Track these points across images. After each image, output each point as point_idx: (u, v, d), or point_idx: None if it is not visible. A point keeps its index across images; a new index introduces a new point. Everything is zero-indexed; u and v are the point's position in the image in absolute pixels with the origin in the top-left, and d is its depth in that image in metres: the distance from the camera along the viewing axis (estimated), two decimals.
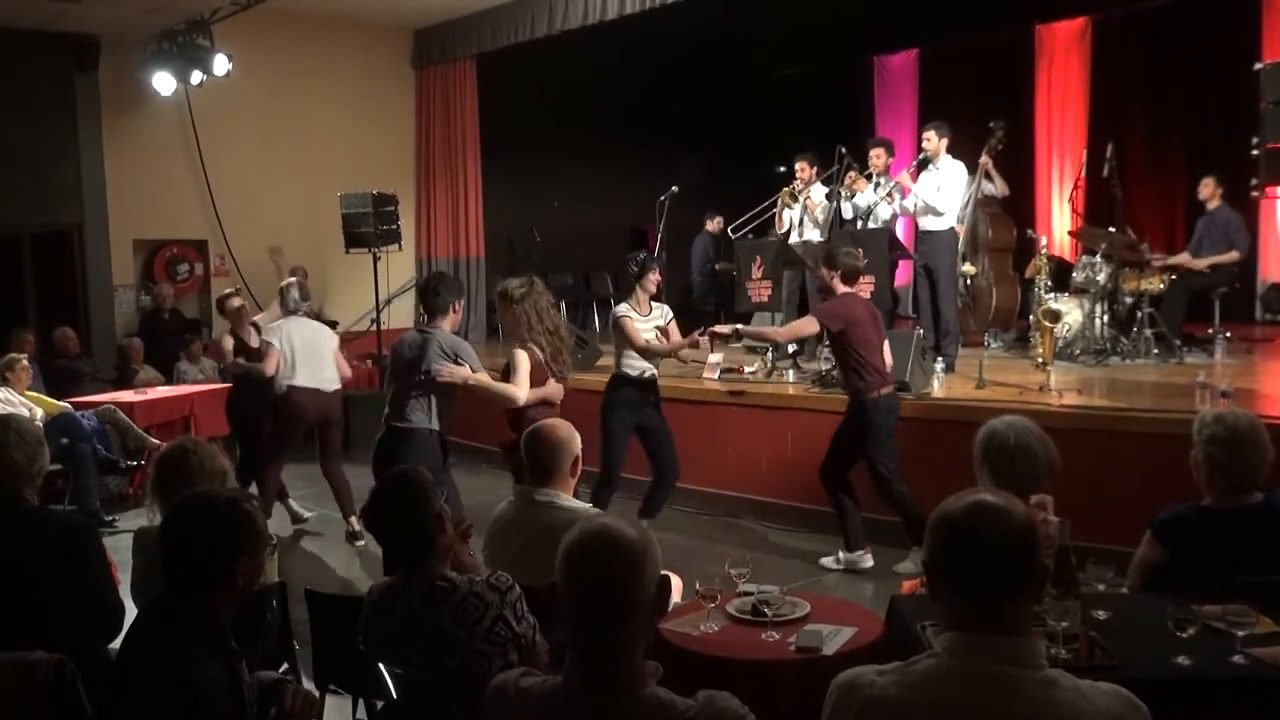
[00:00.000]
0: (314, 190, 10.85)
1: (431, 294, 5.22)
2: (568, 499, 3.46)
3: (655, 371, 6.00)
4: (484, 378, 5.15)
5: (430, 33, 11.65)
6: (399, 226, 10.53)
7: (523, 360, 5.07)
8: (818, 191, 8.68)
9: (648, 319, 5.89)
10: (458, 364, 5.07)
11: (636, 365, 5.89)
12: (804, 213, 8.70)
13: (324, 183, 10.77)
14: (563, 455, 3.47)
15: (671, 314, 6.02)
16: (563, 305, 12.22)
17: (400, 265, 11.30)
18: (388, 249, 10.45)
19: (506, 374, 5.12)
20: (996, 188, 9.14)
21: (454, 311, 5.22)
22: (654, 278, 5.91)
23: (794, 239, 8.68)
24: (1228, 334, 8.33)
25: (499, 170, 12.08)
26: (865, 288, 7.47)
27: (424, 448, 5.04)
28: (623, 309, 5.87)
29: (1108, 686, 1.81)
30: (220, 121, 10.59)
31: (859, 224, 8.23)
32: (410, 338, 5.29)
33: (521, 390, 5.02)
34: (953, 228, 7.76)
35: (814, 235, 8.63)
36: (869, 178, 8.19)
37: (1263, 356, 8.40)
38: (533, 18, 10.13)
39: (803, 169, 8.71)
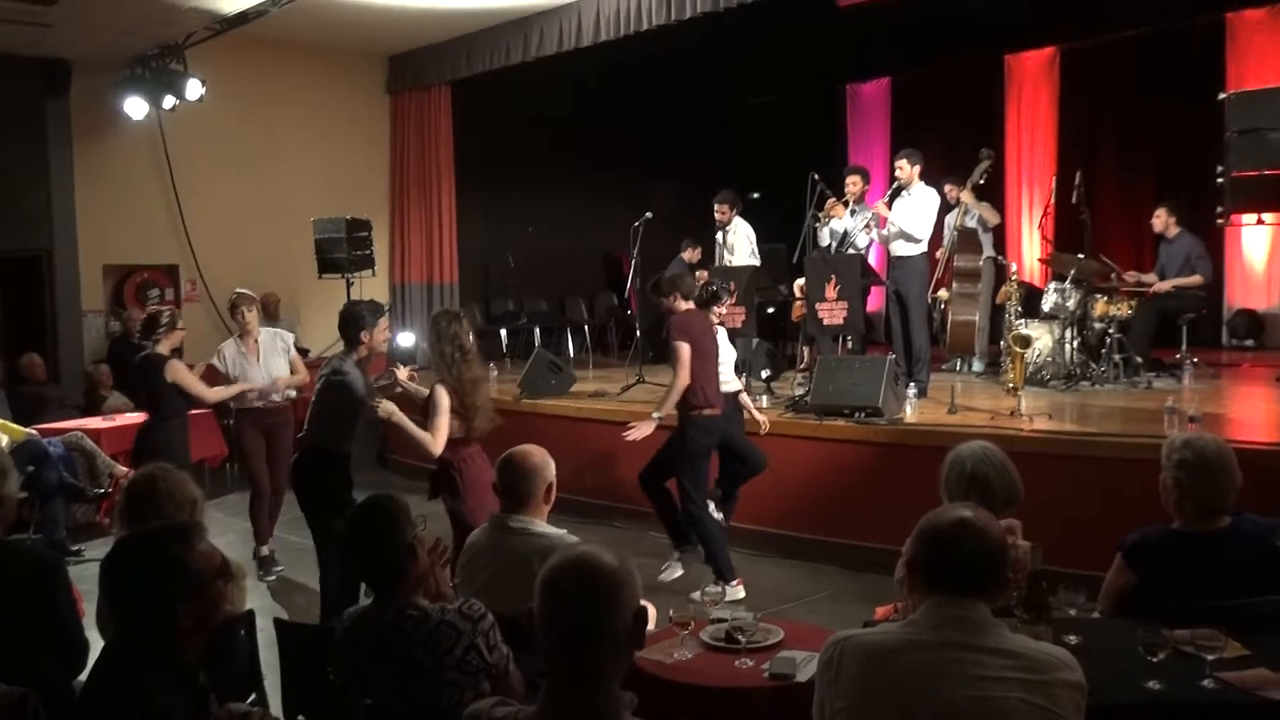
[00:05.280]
0: (287, 215, 10.80)
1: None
2: (542, 526, 3.44)
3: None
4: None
5: (405, 59, 11.67)
6: (372, 252, 10.49)
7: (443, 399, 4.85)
8: (739, 225, 9.02)
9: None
10: None
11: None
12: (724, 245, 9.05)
13: (297, 207, 10.73)
14: (536, 481, 3.46)
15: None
16: (537, 331, 12.38)
17: (374, 290, 11.22)
18: (361, 274, 10.40)
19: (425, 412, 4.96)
20: (986, 216, 9.29)
21: (362, 342, 5.24)
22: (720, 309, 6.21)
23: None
24: (1195, 360, 8.44)
25: (473, 195, 12.08)
26: (839, 313, 7.52)
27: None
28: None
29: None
30: (193, 146, 10.54)
31: (833, 249, 8.31)
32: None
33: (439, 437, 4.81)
34: (924, 253, 7.83)
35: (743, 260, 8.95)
36: (846, 204, 8.29)
37: (1230, 382, 8.50)
38: (508, 44, 10.16)
39: (722, 210, 9.01)
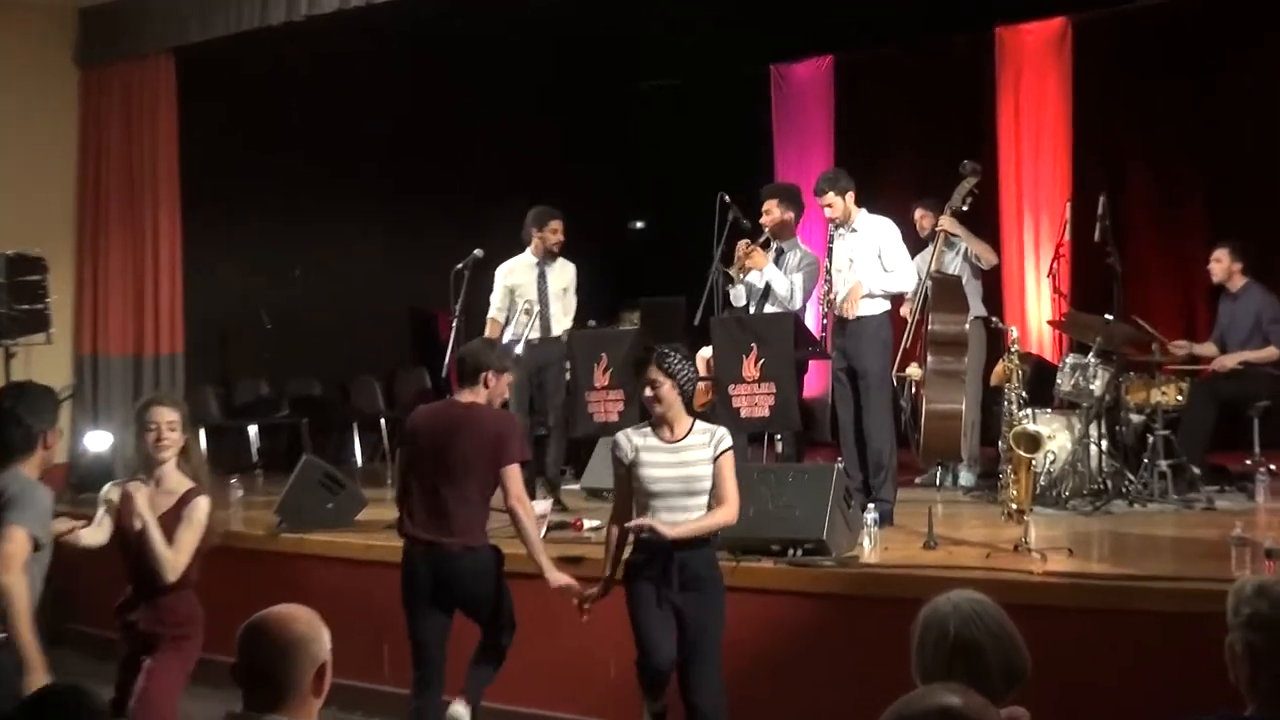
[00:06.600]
0: None
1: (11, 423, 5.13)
2: None
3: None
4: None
5: (105, 13, 11.55)
6: (47, 306, 10.28)
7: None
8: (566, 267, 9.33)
9: (676, 450, 5.50)
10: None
11: None
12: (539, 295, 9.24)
13: None
14: (300, 661, 3.38)
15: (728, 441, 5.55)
16: (305, 427, 12.20)
17: (48, 364, 10.92)
18: (28, 340, 10.17)
19: None
20: (981, 255, 9.57)
21: (44, 447, 5.16)
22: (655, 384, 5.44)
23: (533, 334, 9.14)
24: (1272, 466, 8.68)
25: (209, 223, 11.92)
26: (763, 400, 7.58)
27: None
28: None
29: None
30: None
31: (752, 308, 8.38)
32: None
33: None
34: (886, 311, 7.98)
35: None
36: (766, 245, 8.35)
37: None
38: None
39: (556, 230, 9.33)
